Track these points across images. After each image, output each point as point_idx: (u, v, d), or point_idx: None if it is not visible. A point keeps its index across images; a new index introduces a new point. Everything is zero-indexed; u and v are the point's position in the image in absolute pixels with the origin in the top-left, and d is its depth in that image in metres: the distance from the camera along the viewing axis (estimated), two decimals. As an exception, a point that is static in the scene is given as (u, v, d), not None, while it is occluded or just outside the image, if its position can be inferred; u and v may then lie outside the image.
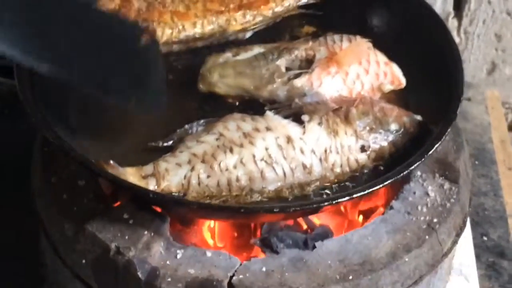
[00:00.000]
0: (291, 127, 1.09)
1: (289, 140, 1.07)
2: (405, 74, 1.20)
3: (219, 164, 1.06)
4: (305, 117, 1.10)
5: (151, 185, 1.04)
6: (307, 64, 1.20)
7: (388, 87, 1.19)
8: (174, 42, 1.26)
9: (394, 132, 1.11)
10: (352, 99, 1.14)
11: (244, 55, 1.22)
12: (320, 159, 1.07)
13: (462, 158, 1.16)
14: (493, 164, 1.60)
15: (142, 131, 1.14)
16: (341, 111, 1.11)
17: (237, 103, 1.19)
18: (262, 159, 1.06)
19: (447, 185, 1.13)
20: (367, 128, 1.10)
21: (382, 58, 1.21)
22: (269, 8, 1.30)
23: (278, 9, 1.30)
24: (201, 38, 1.27)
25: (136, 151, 1.11)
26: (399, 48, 1.24)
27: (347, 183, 1.08)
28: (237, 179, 1.05)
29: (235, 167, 1.06)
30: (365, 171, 1.10)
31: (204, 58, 1.22)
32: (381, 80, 1.19)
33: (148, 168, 1.06)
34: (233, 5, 1.28)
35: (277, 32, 1.31)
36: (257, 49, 1.23)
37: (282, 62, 1.19)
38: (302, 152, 1.07)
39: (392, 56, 1.22)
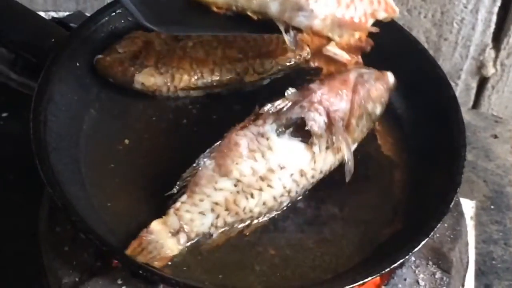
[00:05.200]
0: (302, 158, 1.12)
1: (302, 173, 1.12)
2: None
3: (243, 209, 1.09)
4: (314, 142, 1.12)
5: (182, 239, 1.07)
6: None
7: (381, 14, 1.19)
8: (192, 88, 1.28)
9: (379, 113, 1.20)
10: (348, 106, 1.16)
11: None
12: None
13: (457, 248, 1.15)
14: (509, 210, 1.56)
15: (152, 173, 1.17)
16: (343, 124, 1.14)
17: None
18: (281, 196, 1.12)
19: (438, 275, 1.12)
20: (363, 130, 1.17)
21: None
22: (287, 58, 1.30)
23: (295, 60, 1.31)
24: (218, 86, 1.29)
25: (146, 198, 1.13)
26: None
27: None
28: (259, 214, 1.11)
29: (257, 206, 1.10)
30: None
31: (221, 104, 1.25)
32: (375, 7, 1.18)
33: (174, 222, 1.07)
34: (251, 53, 1.29)
35: (297, 77, 1.30)
36: None
37: None
38: (313, 177, 1.14)
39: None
